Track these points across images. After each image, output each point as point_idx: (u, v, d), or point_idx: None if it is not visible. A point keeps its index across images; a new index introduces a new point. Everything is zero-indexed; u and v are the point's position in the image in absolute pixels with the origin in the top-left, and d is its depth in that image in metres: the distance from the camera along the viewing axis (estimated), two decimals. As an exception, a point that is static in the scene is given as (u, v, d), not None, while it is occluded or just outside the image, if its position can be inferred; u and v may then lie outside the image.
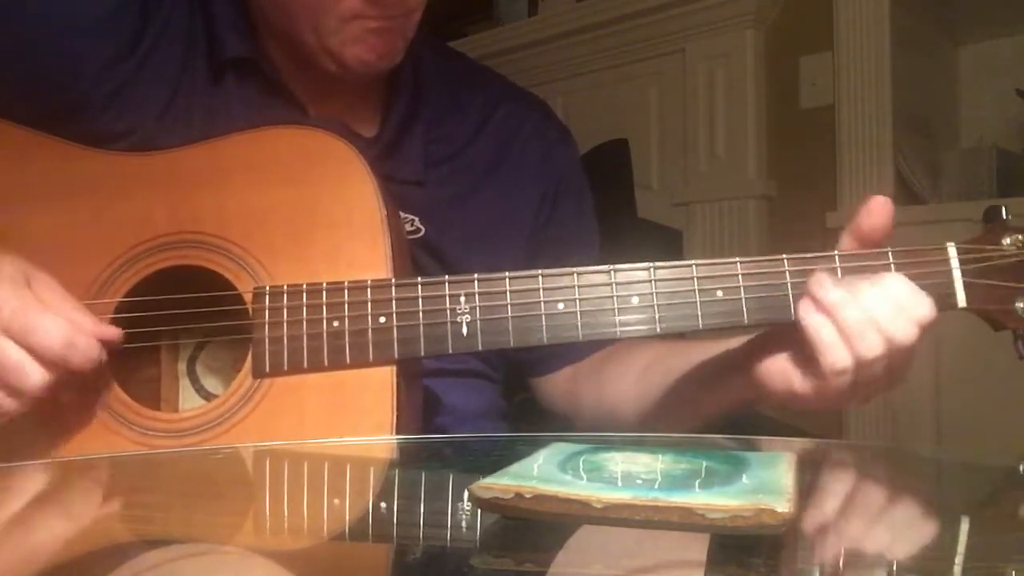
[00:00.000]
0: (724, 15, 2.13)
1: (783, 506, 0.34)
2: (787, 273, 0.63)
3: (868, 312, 0.58)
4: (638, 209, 1.99)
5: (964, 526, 0.45)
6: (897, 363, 0.60)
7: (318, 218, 0.67)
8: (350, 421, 0.64)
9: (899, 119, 1.92)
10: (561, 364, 0.87)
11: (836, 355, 0.58)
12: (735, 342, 0.70)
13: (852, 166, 1.96)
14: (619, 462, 0.43)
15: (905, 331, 0.58)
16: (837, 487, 0.54)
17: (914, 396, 1.79)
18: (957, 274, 0.63)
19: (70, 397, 0.64)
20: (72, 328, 0.60)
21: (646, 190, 2.20)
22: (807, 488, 0.44)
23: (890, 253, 0.63)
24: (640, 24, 2.27)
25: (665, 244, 2.15)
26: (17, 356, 0.58)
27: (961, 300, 0.63)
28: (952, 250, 0.63)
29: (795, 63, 2.08)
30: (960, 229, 1.69)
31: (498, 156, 0.86)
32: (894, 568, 0.36)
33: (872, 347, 0.58)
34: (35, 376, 0.59)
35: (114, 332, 0.63)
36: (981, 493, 0.57)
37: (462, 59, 0.93)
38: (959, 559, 0.39)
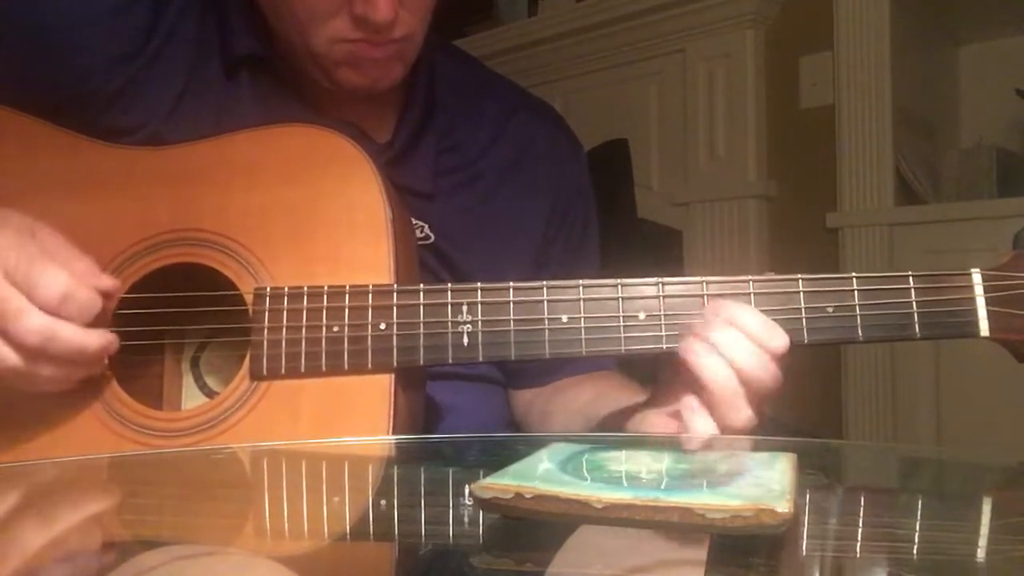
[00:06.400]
0: (724, 15, 2.13)
1: (783, 506, 0.34)
2: (801, 295, 0.61)
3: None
4: (638, 209, 1.99)
5: (975, 514, 0.45)
6: (755, 394, 0.60)
7: (321, 218, 0.67)
8: (346, 427, 0.64)
9: (899, 119, 1.92)
10: (527, 385, 0.89)
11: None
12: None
13: (852, 166, 1.96)
14: (619, 462, 0.43)
15: (757, 363, 0.59)
16: (839, 486, 0.54)
17: (914, 396, 1.79)
18: (981, 301, 0.61)
19: (69, 391, 0.63)
20: (73, 282, 0.59)
21: (646, 190, 2.20)
22: (807, 488, 0.44)
23: (911, 277, 0.61)
24: (640, 24, 2.27)
25: (665, 244, 2.15)
26: (17, 303, 0.58)
27: (984, 329, 0.61)
28: (977, 276, 0.61)
29: (795, 63, 2.08)
30: (960, 229, 1.69)
31: (510, 168, 0.86)
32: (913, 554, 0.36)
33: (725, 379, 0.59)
34: (34, 322, 0.58)
35: (111, 283, 0.62)
36: (988, 484, 0.57)
37: (476, 64, 0.93)
38: (978, 543, 0.39)
